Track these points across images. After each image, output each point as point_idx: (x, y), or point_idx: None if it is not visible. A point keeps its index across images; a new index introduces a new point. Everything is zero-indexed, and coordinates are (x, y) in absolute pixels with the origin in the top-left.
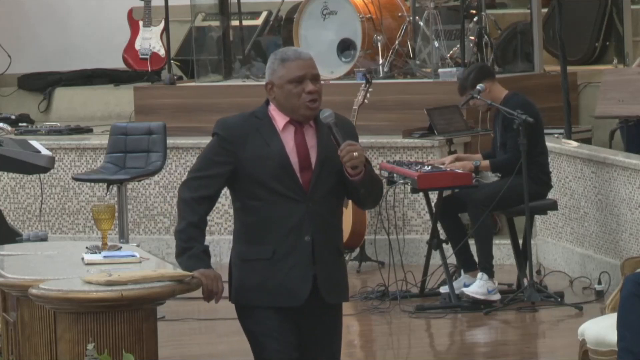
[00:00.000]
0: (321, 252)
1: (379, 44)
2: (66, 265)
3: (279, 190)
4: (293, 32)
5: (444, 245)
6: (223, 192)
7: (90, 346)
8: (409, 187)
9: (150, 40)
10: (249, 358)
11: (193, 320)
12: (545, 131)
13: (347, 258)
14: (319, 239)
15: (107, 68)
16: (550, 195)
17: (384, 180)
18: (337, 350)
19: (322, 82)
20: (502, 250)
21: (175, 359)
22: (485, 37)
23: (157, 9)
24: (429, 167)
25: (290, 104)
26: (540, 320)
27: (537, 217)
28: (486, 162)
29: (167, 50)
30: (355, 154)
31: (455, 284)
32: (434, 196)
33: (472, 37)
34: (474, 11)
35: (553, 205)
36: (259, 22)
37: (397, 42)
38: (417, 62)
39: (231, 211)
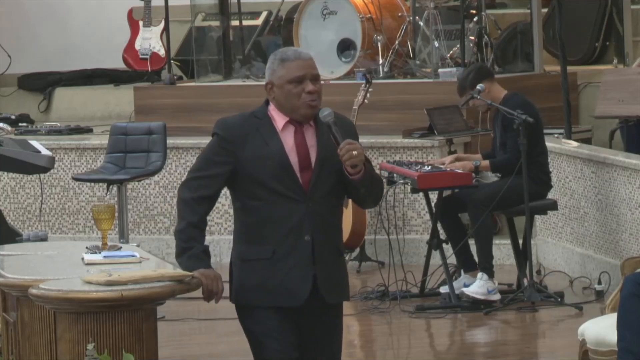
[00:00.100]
0: (321, 251)
1: (379, 44)
2: (66, 265)
3: (279, 190)
4: (293, 32)
5: (444, 245)
6: (223, 192)
7: (90, 346)
8: (409, 187)
9: (150, 40)
10: (249, 358)
11: (193, 320)
12: (545, 131)
13: (347, 258)
14: (319, 239)
15: (107, 68)
16: (550, 195)
17: (384, 180)
18: (338, 350)
19: (322, 82)
20: (502, 250)
21: (175, 359)
22: (485, 37)
23: (157, 9)
24: (429, 167)
25: (290, 104)
26: (540, 320)
27: (537, 217)
28: (486, 162)
29: (167, 50)
30: (354, 152)
31: (455, 284)
32: (434, 196)
33: (472, 37)
34: (474, 11)
35: (553, 205)
36: (259, 22)
37: (397, 42)
38: (417, 62)
39: (231, 211)
